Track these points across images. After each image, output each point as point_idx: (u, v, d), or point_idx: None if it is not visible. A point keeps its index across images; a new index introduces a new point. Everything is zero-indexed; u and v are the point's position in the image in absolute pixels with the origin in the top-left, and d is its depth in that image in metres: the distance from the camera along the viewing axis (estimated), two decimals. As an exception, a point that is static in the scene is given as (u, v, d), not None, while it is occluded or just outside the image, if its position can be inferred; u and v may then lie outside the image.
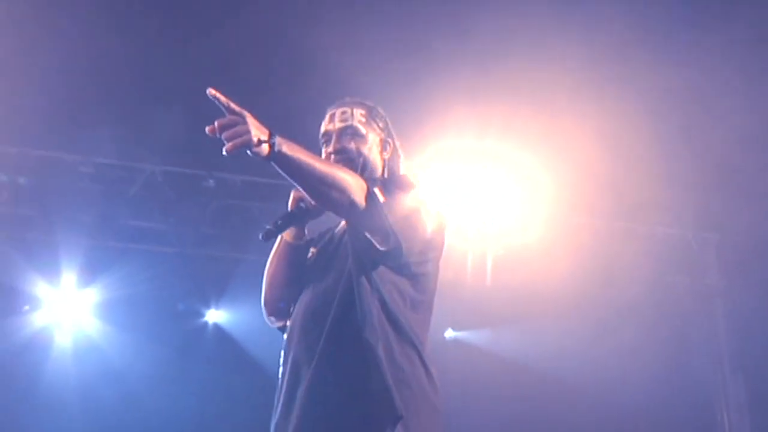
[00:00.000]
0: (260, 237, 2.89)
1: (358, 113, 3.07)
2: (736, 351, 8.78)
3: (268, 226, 2.92)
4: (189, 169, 7.64)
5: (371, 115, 3.10)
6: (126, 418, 7.56)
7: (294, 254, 3.02)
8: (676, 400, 8.54)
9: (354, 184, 2.67)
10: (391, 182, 2.97)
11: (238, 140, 2.39)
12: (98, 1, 6.73)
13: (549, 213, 8.13)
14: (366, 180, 2.78)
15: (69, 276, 7.52)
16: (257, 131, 2.42)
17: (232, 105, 2.44)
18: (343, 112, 3.06)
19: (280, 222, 2.93)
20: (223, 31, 6.84)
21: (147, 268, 7.53)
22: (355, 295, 2.79)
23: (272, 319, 3.05)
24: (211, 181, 7.63)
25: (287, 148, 2.49)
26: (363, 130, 3.04)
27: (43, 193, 7.24)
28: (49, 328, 7.78)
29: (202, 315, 8.27)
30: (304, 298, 2.95)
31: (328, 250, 3.05)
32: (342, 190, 2.63)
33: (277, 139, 2.46)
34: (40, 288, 7.57)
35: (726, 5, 6.86)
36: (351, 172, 2.75)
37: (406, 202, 2.84)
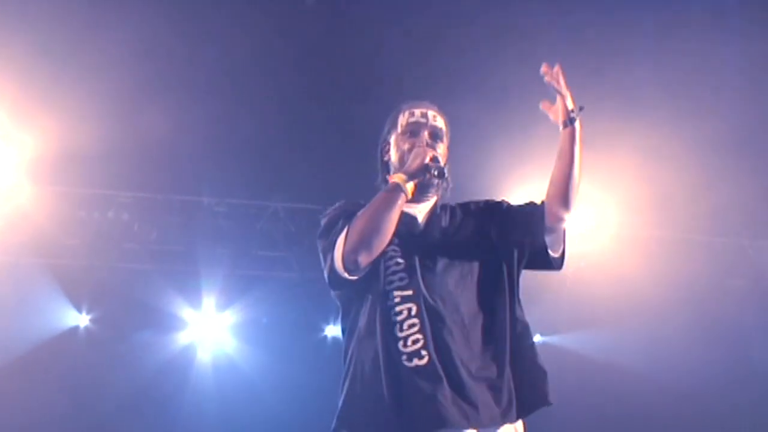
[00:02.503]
0: (435, 173, 2.95)
1: (443, 121, 3.22)
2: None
3: (440, 166, 2.99)
4: (306, 204, 8.64)
5: (448, 126, 3.24)
6: (258, 425, 8.47)
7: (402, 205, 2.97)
8: (740, 395, 9.14)
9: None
10: None
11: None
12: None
13: (616, 229, 8.72)
14: None
15: (209, 300, 8.52)
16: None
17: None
18: (435, 115, 3.20)
19: (446, 167, 3.02)
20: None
21: (275, 292, 8.53)
22: (505, 285, 3.02)
23: (350, 272, 2.92)
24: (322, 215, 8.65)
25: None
26: (445, 138, 3.20)
27: (187, 231, 8.30)
28: (192, 346, 8.78)
29: (322, 330, 9.25)
30: (436, 274, 2.98)
31: (447, 228, 3.12)
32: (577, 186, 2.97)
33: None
34: (185, 311, 8.59)
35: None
36: None
37: None
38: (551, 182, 3.00)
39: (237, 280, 8.53)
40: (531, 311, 3.14)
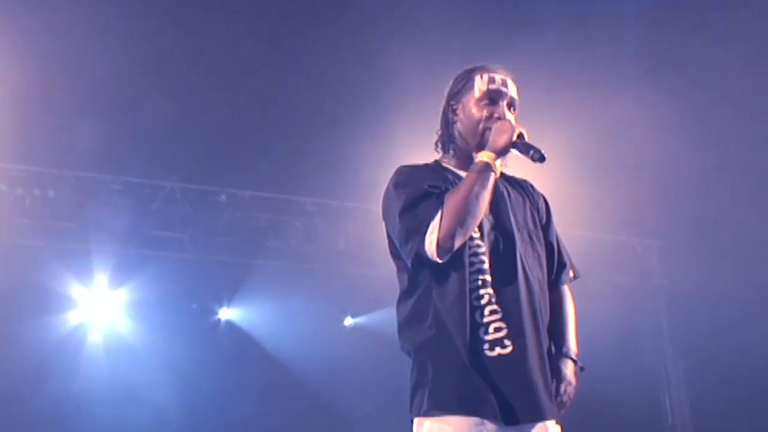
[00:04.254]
0: (537, 158, 2.80)
1: (517, 90, 3.07)
2: (677, 340, 9.83)
3: (540, 150, 2.83)
4: (203, 185, 8.66)
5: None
6: (151, 408, 8.40)
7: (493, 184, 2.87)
8: (626, 382, 9.36)
9: None
10: None
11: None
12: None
13: None
14: None
15: (101, 279, 8.41)
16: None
17: None
18: (513, 85, 3.05)
19: (537, 148, 2.85)
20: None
21: (168, 273, 8.45)
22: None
23: (442, 256, 2.77)
24: (222, 196, 8.72)
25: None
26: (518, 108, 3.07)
27: (80, 208, 8.19)
28: (83, 326, 8.63)
29: (216, 313, 9.23)
30: (516, 259, 2.89)
31: (515, 207, 3.02)
32: None
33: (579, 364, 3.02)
34: (75, 290, 8.45)
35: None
36: None
37: None
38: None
39: (130, 259, 8.45)
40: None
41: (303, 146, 8.36)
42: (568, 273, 3.13)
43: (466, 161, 2.98)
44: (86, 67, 7.57)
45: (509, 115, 2.97)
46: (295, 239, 8.69)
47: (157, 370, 8.54)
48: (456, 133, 3.03)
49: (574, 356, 2.98)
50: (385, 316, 9.70)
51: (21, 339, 8.23)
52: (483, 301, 2.80)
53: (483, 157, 2.81)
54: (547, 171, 8.25)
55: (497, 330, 2.77)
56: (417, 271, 2.87)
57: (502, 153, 2.84)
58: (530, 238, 2.96)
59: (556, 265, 3.08)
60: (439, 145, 3.10)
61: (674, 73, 7.75)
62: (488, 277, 2.82)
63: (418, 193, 2.86)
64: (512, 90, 3.02)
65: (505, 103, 2.98)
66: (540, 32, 7.81)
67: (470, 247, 2.83)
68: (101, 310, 8.65)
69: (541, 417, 2.75)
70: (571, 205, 8.89)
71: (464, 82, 3.05)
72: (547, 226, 3.09)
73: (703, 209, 8.97)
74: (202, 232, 8.60)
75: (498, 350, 2.75)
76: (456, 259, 2.79)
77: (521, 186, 3.12)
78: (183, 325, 8.79)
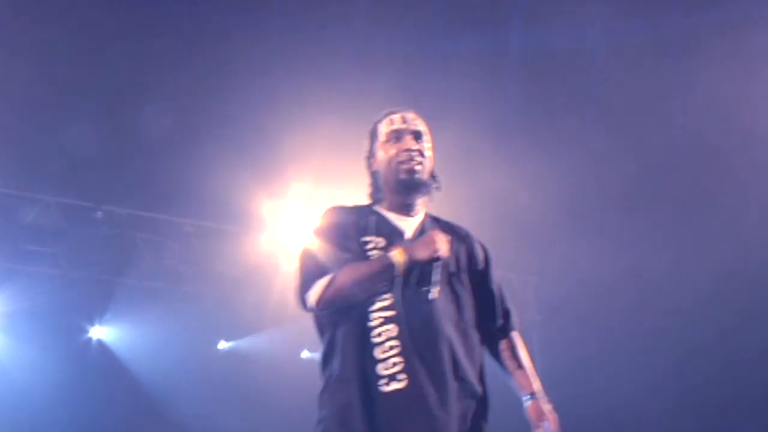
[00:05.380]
0: (429, 297, 2.89)
1: (423, 123, 3.19)
2: (549, 376, 10.09)
3: (426, 289, 2.90)
4: (80, 201, 8.53)
5: (428, 127, 3.20)
6: (18, 424, 8.23)
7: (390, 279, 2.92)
8: (497, 414, 9.74)
9: None
10: None
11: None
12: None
13: None
14: None
15: None
16: None
17: None
18: (414, 118, 3.17)
19: (435, 283, 2.93)
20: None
21: (39, 287, 8.29)
22: None
23: (320, 312, 2.93)
24: (99, 212, 8.59)
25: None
26: (429, 138, 3.16)
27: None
28: None
29: (87, 331, 9.11)
30: (420, 294, 2.91)
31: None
32: None
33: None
34: None
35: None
36: None
37: None
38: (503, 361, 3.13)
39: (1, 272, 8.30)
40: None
41: (183, 168, 8.37)
42: (515, 320, 3.16)
43: (395, 203, 3.09)
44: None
45: (416, 146, 3.08)
46: (170, 260, 8.65)
47: (25, 388, 8.38)
48: (380, 181, 3.13)
49: (541, 396, 3.04)
50: (259, 340, 9.74)
51: None
52: (382, 338, 2.82)
53: (397, 256, 2.86)
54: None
55: (394, 365, 2.79)
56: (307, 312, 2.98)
57: (415, 263, 2.87)
58: (449, 278, 2.97)
59: (500, 312, 3.12)
60: (371, 197, 3.18)
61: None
62: (392, 313, 2.85)
63: (327, 246, 2.96)
64: (415, 123, 3.14)
65: (409, 137, 3.10)
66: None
67: None
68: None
69: None
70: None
71: (371, 134, 3.18)
72: (485, 273, 3.12)
73: (578, 248, 9.31)
74: (76, 248, 8.48)
75: (393, 385, 2.77)
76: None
77: (455, 232, 3.13)
78: (53, 341, 8.67)
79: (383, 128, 3.13)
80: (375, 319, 2.84)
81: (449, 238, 2.96)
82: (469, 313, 2.98)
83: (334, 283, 2.84)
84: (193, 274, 8.80)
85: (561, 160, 8.59)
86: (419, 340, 2.81)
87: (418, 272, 2.88)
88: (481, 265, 3.10)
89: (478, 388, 2.91)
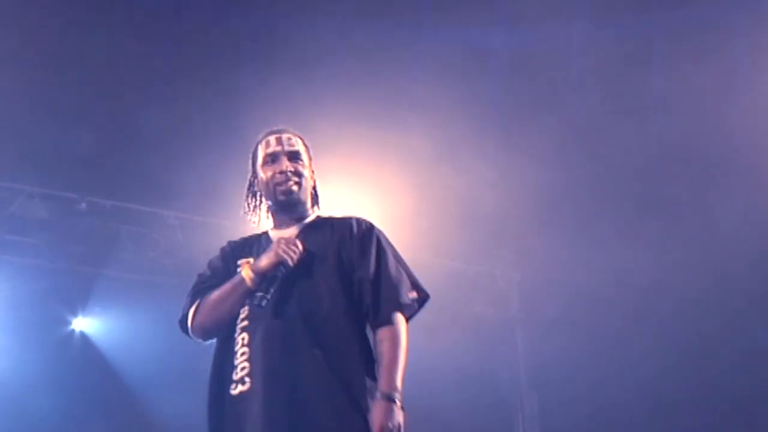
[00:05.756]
0: (255, 304, 3.00)
1: (300, 141, 3.29)
2: (532, 372, 10.06)
3: (261, 294, 3.00)
4: (63, 191, 8.52)
5: (306, 145, 3.31)
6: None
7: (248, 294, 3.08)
8: (481, 412, 9.66)
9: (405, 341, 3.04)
10: None
11: None
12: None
13: None
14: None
15: None
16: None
17: None
18: (290, 138, 3.25)
19: (272, 290, 3.02)
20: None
21: (20, 278, 8.30)
22: None
23: (198, 337, 3.14)
24: (83, 204, 8.56)
25: (399, 388, 2.91)
26: (305, 157, 3.27)
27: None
28: None
29: (69, 322, 9.05)
30: (276, 302, 3.03)
31: (305, 256, 3.12)
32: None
33: (397, 399, 2.88)
34: None
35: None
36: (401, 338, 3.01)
37: None
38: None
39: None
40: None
41: (168, 160, 8.34)
42: (384, 312, 3.05)
43: (279, 221, 3.28)
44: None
45: (291, 167, 3.21)
46: (154, 251, 8.62)
47: (5, 377, 8.33)
48: (263, 200, 3.33)
49: (381, 396, 2.91)
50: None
51: None
52: (238, 346, 3.01)
53: (244, 270, 3.08)
54: (414, 198, 8.44)
55: (242, 369, 2.97)
56: None
57: (263, 273, 3.03)
58: (310, 274, 3.07)
59: (368, 303, 3.07)
60: (250, 215, 3.39)
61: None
62: (246, 323, 3.03)
63: (204, 276, 3.22)
64: (290, 143, 3.25)
65: (284, 158, 3.22)
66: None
67: None
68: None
69: None
70: (434, 233, 9.13)
71: (252, 155, 3.32)
72: (359, 261, 3.11)
73: (562, 246, 9.33)
74: (59, 238, 8.45)
75: (239, 388, 2.95)
76: None
77: (331, 226, 3.23)
78: (35, 332, 8.61)
79: (260, 151, 3.26)
80: (237, 330, 3.03)
81: (295, 241, 3.08)
82: (327, 307, 3.02)
83: (198, 314, 3.10)
84: (176, 266, 8.75)
85: (548, 157, 8.63)
86: (259, 345, 2.96)
87: (267, 281, 3.01)
88: (354, 253, 3.12)
89: (321, 386, 2.92)
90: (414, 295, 3.14)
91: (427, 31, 8.15)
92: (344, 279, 3.09)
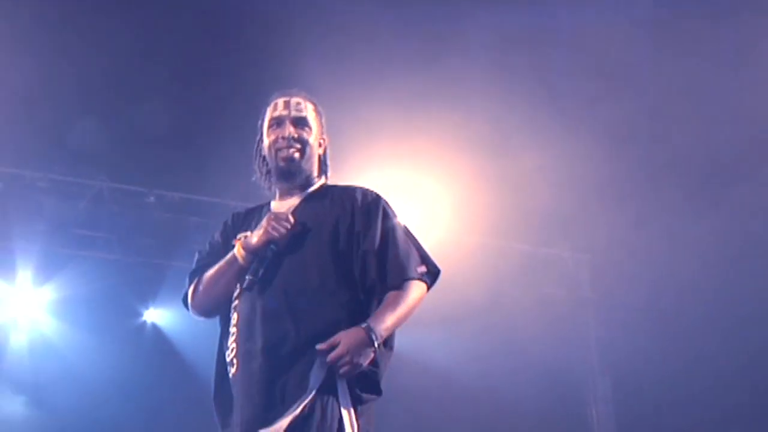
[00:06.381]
0: (244, 287, 2.95)
1: (310, 107, 3.16)
2: (605, 354, 9.93)
3: (250, 277, 2.94)
4: (132, 185, 8.64)
5: (317, 111, 3.19)
6: (76, 412, 8.26)
7: (241, 272, 3.02)
8: (554, 394, 9.59)
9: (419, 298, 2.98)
10: None
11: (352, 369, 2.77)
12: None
13: (444, 232, 8.80)
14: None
15: (24, 276, 8.28)
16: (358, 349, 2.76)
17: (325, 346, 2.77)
18: (298, 103, 3.14)
19: (261, 271, 2.95)
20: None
21: (93, 273, 8.37)
22: None
23: (201, 317, 3.16)
24: (151, 197, 8.69)
25: (384, 330, 2.82)
26: (314, 124, 3.14)
27: (3, 205, 8.10)
28: (5, 326, 8.51)
29: (141, 315, 9.14)
30: (264, 282, 2.99)
31: (300, 229, 3.04)
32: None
33: (377, 336, 2.79)
34: None
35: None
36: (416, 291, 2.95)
37: None
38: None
39: (54, 258, 8.36)
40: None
41: (237, 151, 8.33)
42: (392, 279, 2.95)
43: (281, 190, 3.17)
44: (12, 62, 7.52)
45: (294, 133, 3.10)
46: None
47: (83, 375, 8.42)
48: (266, 163, 3.20)
49: (362, 327, 2.81)
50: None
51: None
52: (231, 326, 2.98)
53: (237, 250, 3.00)
54: (483, 182, 8.34)
55: (232, 351, 2.94)
56: None
57: (254, 251, 2.96)
58: (302, 250, 2.97)
59: (375, 276, 2.96)
60: (262, 180, 3.26)
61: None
62: (236, 303, 2.99)
63: (203, 253, 3.21)
64: (298, 108, 3.14)
65: (289, 123, 3.11)
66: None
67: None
68: (25, 309, 8.51)
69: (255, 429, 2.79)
70: (504, 216, 9.02)
71: (262, 116, 3.22)
72: (364, 234, 3.00)
73: (633, 226, 9.13)
74: (129, 232, 8.57)
75: (232, 370, 2.93)
76: None
77: (332, 198, 3.11)
78: (109, 326, 8.70)
79: (269, 113, 3.17)
80: (231, 309, 2.99)
81: (287, 216, 2.97)
82: (316, 285, 2.91)
83: (195, 293, 3.10)
84: (244, 256, 8.77)
85: (615, 137, 8.43)
86: (244, 325, 2.91)
87: (257, 260, 2.95)
88: (358, 226, 3.01)
89: (305, 363, 2.81)
90: (423, 269, 3.00)
91: (484, 10, 7.99)
92: (340, 254, 2.97)
